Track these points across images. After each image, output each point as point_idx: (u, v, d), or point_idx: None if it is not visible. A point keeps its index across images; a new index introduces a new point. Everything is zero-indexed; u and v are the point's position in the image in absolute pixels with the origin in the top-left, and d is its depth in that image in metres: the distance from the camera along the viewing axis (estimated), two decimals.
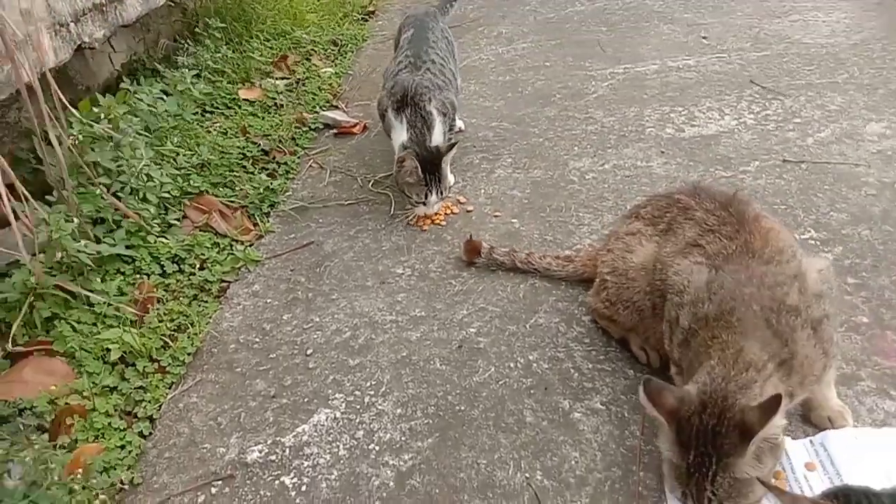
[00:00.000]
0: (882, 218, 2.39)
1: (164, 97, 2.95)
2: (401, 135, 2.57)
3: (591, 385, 1.82)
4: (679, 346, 1.54)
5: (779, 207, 2.48)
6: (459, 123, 3.13)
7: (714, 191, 1.73)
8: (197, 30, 3.80)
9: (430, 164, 2.45)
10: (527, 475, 1.59)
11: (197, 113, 3.18)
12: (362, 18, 5.08)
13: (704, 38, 4.14)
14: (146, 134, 2.64)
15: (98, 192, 2.26)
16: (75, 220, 2.06)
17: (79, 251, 2.04)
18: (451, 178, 2.62)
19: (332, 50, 4.28)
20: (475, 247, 2.26)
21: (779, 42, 3.99)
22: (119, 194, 2.35)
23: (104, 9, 2.78)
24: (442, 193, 2.52)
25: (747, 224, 1.58)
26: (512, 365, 1.91)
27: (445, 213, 2.59)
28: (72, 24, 2.53)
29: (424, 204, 2.51)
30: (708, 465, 1.26)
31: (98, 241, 2.21)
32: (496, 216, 2.58)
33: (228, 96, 3.41)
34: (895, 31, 4.02)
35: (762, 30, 4.19)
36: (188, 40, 3.73)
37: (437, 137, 2.58)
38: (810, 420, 1.63)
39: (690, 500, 1.30)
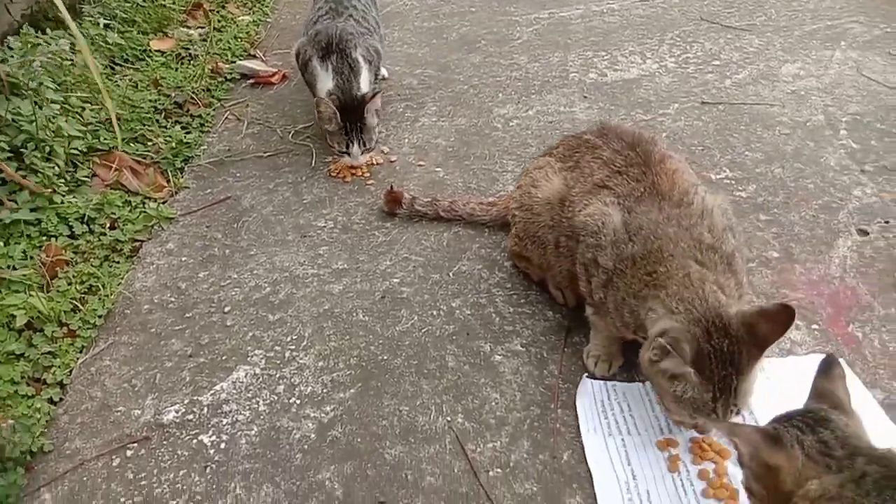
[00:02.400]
0: (794, 156, 2.46)
1: (70, 48, 2.76)
2: (326, 83, 2.48)
3: (511, 328, 1.84)
4: (603, 286, 1.54)
5: (696, 148, 2.52)
6: (383, 71, 3.05)
7: (621, 130, 1.73)
8: None
9: (352, 113, 2.38)
10: (448, 418, 1.61)
11: (105, 65, 3.01)
12: None
13: None
14: (50, 86, 2.48)
15: None
16: None
17: None
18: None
19: None
20: (396, 197, 2.23)
21: None
22: (22, 150, 2.22)
23: None
24: (366, 144, 2.45)
25: (653, 165, 1.59)
26: (435, 313, 1.91)
27: (368, 164, 2.54)
28: None
29: (348, 154, 2.44)
30: (731, 383, 1.31)
31: None
32: (420, 165, 2.54)
33: (139, 47, 3.23)
34: None
35: None
36: None
37: (364, 85, 2.51)
38: None
39: (715, 416, 1.33)
